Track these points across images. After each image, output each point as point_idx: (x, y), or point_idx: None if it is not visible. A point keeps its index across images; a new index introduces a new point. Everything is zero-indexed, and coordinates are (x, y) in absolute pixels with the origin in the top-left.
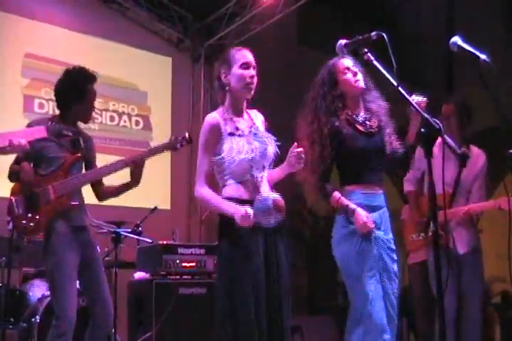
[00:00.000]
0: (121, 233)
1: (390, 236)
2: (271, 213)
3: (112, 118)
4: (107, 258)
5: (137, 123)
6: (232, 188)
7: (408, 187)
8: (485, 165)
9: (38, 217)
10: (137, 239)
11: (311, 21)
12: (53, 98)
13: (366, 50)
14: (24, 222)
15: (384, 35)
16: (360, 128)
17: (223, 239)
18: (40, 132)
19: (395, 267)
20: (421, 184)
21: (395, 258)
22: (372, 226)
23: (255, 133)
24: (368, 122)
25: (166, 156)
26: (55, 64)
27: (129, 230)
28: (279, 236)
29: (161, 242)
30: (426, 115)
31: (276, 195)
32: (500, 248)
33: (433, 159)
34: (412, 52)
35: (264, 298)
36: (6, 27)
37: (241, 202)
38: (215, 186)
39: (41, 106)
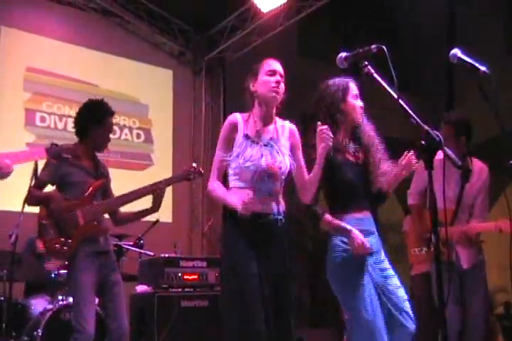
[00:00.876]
0: (123, 246)
1: (383, 257)
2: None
3: (113, 132)
4: None
5: (138, 136)
6: (234, 192)
7: (411, 200)
8: (487, 179)
9: (70, 241)
10: (139, 252)
11: (311, 33)
12: (55, 111)
13: (366, 63)
14: (57, 245)
15: (384, 48)
16: (350, 158)
17: (227, 229)
18: (41, 153)
19: (394, 281)
20: (424, 197)
21: (392, 273)
22: (369, 247)
23: (272, 145)
24: (356, 153)
25: (168, 169)
26: (56, 77)
27: (131, 243)
28: (276, 228)
29: (162, 255)
30: (426, 127)
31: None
32: (502, 258)
33: (435, 174)
34: (412, 64)
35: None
36: (7, 41)
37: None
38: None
39: (43, 119)
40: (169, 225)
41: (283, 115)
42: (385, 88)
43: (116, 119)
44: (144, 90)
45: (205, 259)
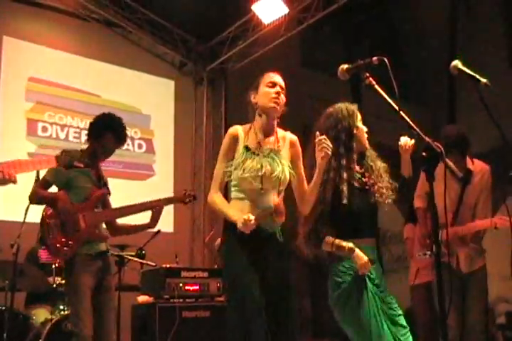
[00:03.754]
0: (125, 256)
1: (383, 284)
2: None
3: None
4: None
5: (140, 146)
6: (234, 203)
7: (418, 203)
8: (489, 179)
9: (71, 242)
10: (140, 262)
11: (313, 45)
12: (57, 121)
13: (368, 75)
14: (59, 245)
15: (385, 59)
16: (356, 184)
17: (226, 243)
18: (50, 163)
19: (397, 312)
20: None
21: (392, 301)
22: (370, 268)
23: (272, 157)
24: (363, 178)
25: (169, 180)
26: (58, 88)
27: (133, 253)
28: (275, 240)
29: (164, 265)
30: (427, 139)
31: (276, 200)
32: (504, 269)
33: (435, 180)
34: (414, 75)
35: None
36: (10, 51)
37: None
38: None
39: (44, 129)
40: (171, 235)
41: (285, 126)
42: (386, 99)
43: None
44: (146, 100)
45: (206, 270)
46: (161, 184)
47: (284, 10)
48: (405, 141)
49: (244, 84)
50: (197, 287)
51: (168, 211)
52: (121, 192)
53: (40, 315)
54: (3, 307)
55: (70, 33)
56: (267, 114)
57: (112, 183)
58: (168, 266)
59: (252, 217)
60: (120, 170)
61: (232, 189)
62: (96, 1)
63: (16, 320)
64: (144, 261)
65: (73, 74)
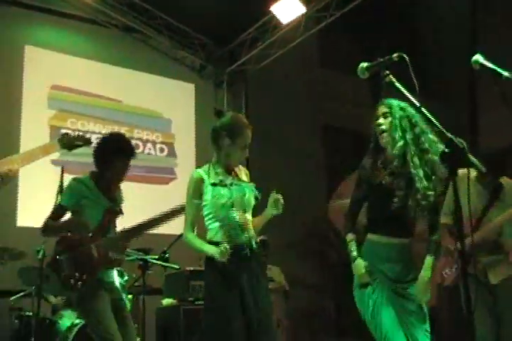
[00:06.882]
0: (149, 260)
1: (408, 286)
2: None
3: (136, 146)
4: (134, 285)
5: (162, 150)
6: (214, 231)
7: (443, 219)
8: None
9: (84, 276)
10: (164, 265)
11: (332, 45)
12: (79, 128)
13: (388, 72)
14: (72, 280)
15: (405, 56)
16: (384, 181)
17: (207, 276)
18: (54, 147)
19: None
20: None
21: (410, 298)
22: (367, 280)
23: (236, 184)
24: (390, 177)
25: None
26: (80, 94)
27: (156, 257)
28: (254, 260)
29: (187, 268)
30: (449, 135)
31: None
32: None
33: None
34: (434, 73)
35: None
36: (32, 60)
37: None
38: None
39: None
40: None
41: (305, 127)
42: (407, 96)
43: (140, 134)
44: (167, 105)
45: None
46: (183, 187)
47: (301, 9)
48: None
49: (264, 86)
50: None
51: None
52: (143, 197)
53: (67, 319)
54: (31, 313)
55: (90, 40)
56: (228, 164)
57: (134, 188)
58: (191, 268)
59: (227, 246)
60: (142, 174)
61: (210, 220)
62: (115, 7)
63: (42, 325)
64: (168, 264)
65: (94, 80)
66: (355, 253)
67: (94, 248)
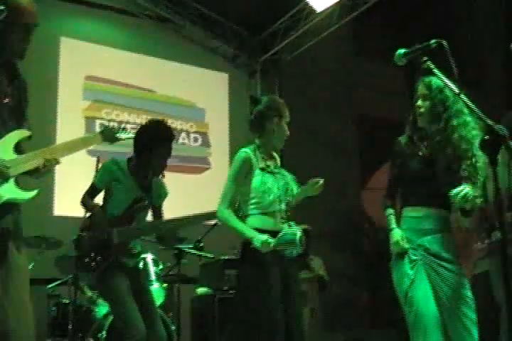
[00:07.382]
0: (183, 249)
1: (447, 258)
2: (295, 245)
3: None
4: (170, 274)
5: (196, 139)
6: (256, 219)
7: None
8: None
9: (99, 258)
10: (199, 254)
11: (366, 32)
12: (114, 118)
13: (426, 58)
14: (87, 260)
15: (444, 42)
16: (420, 152)
17: (244, 266)
18: (96, 139)
19: (450, 277)
20: None
21: (450, 268)
22: (406, 246)
23: (279, 172)
24: (427, 148)
25: (224, 173)
26: (114, 85)
27: (191, 246)
28: (295, 267)
29: (222, 257)
30: (489, 122)
31: (301, 229)
32: None
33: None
34: (469, 59)
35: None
36: (67, 52)
37: (263, 232)
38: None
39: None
40: None
41: (339, 116)
42: (447, 83)
43: (174, 124)
44: (200, 94)
45: None
46: (217, 177)
47: None
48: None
49: (298, 75)
50: None
51: None
52: (177, 186)
53: (103, 307)
54: (68, 301)
55: (124, 30)
56: (271, 148)
57: (168, 177)
58: (226, 257)
59: (271, 240)
60: (176, 163)
61: (251, 207)
62: None
63: (79, 313)
64: (202, 253)
65: (128, 71)
66: (393, 225)
67: (116, 233)
